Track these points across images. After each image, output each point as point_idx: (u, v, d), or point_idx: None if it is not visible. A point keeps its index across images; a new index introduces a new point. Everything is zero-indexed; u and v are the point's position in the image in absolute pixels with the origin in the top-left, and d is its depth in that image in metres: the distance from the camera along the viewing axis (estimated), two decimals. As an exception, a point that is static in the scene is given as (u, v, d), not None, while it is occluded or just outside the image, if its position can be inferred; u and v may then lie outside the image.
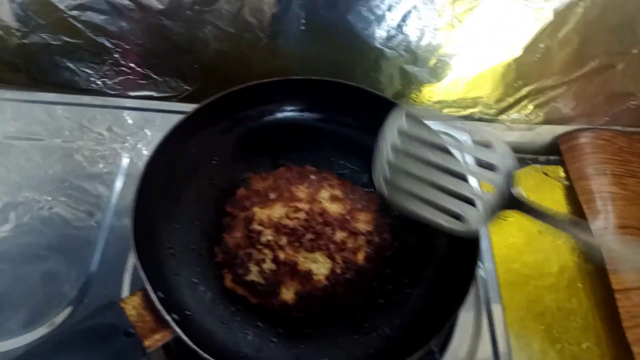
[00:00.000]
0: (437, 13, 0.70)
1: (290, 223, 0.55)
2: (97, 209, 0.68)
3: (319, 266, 0.53)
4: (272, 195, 0.57)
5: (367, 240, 0.56)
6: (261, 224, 0.55)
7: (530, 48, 0.74)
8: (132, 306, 0.45)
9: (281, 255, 0.53)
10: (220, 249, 0.55)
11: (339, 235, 0.55)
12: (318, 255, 0.53)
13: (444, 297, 0.51)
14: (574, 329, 0.72)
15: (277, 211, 0.56)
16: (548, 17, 0.71)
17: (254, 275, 0.53)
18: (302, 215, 0.55)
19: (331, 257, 0.53)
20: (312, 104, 0.64)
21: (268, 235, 0.54)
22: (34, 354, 0.41)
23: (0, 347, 0.54)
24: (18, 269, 0.60)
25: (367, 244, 0.56)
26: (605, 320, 0.73)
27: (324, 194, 0.58)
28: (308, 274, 0.52)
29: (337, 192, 0.58)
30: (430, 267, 0.54)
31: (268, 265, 0.53)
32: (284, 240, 0.54)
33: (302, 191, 0.58)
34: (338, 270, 0.53)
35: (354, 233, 0.55)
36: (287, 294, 0.52)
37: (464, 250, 0.52)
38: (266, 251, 0.53)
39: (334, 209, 0.57)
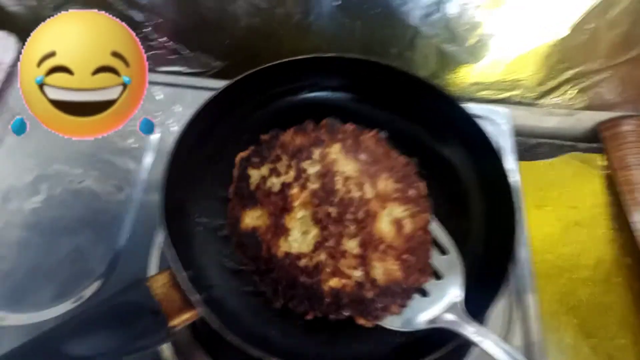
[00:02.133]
0: (480, -11, 0.67)
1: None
2: (127, 184, 0.68)
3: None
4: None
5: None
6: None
7: (577, 28, 0.70)
8: (159, 284, 0.45)
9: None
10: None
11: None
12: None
13: (478, 292, 0.48)
14: (609, 324, 0.70)
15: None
16: (599, -5, 0.67)
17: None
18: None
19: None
20: (345, 84, 0.62)
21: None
22: (61, 330, 0.41)
23: (29, 318, 0.55)
24: (48, 241, 0.61)
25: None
26: (643, 317, 0.70)
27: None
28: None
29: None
30: (465, 259, 0.52)
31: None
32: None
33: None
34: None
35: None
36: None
37: (501, 243, 0.50)
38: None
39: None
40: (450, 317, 0.47)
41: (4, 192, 0.66)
